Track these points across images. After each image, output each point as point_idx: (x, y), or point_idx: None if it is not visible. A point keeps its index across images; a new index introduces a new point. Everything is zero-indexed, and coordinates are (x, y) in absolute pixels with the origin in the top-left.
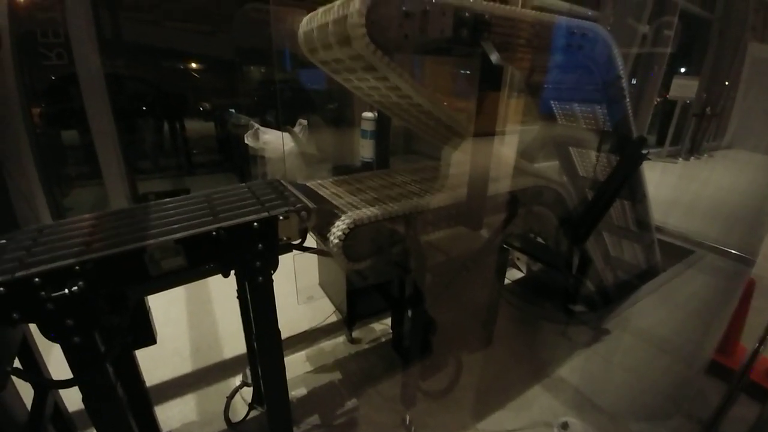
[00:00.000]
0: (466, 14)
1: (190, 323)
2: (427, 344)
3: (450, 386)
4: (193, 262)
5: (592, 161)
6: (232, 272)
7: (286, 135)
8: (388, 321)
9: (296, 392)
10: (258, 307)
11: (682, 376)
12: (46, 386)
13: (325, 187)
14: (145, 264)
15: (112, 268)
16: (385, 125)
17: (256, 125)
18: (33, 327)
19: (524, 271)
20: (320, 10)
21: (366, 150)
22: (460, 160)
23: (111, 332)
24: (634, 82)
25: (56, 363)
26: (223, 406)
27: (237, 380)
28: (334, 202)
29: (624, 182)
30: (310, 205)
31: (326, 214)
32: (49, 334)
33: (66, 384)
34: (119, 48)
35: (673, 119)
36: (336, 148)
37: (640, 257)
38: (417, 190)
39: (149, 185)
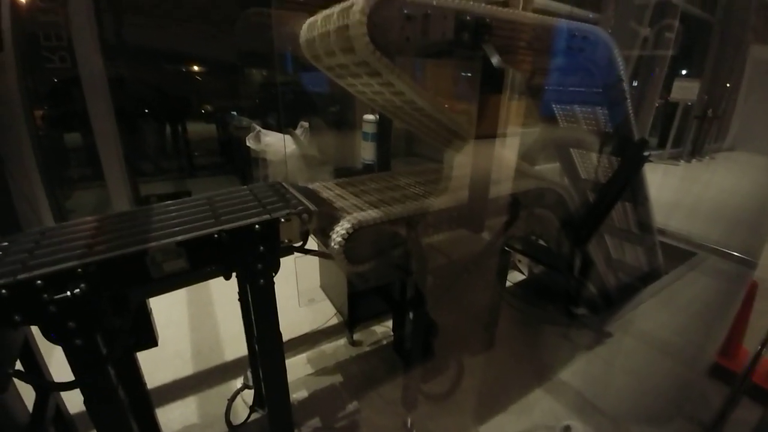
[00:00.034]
0: (468, 17)
1: (192, 325)
2: (429, 347)
3: (451, 389)
4: (195, 265)
5: (593, 163)
6: (234, 274)
7: (288, 137)
8: (390, 323)
9: (297, 395)
10: (259, 310)
11: (684, 379)
12: (47, 388)
13: (327, 190)
14: (147, 266)
15: (114, 270)
16: (386, 127)
17: (258, 128)
18: (35, 329)
19: (526, 273)
20: (320, 15)
21: (367, 152)
22: (461, 162)
23: (113, 334)
24: (635, 84)
25: (58, 365)
26: (224, 409)
27: (238, 383)
28: (335, 204)
29: (626, 184)
30: (312, 207)
31: (327, 217)
32: (51, 337)
33: (68, 386)
34: (122, 51)
35: (674, 121)
36: (337, 151)
37: (642, 259)
38: (418, 193)
39: (151, 187)
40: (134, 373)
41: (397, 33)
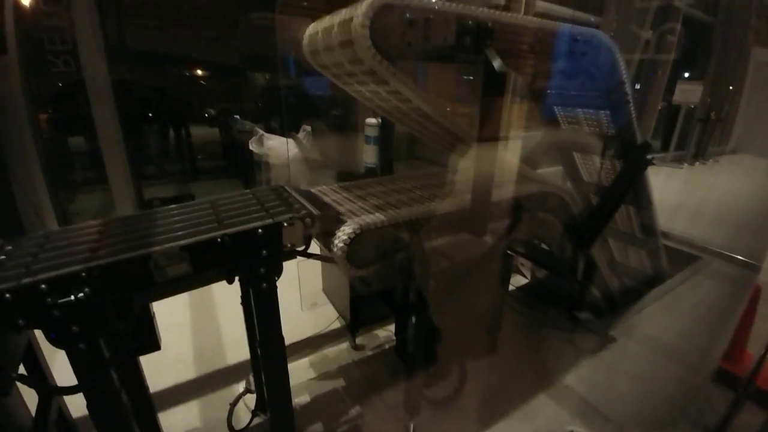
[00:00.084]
0: (469, 22)
1: (194, 329)
2: (431, 351)
3: (454, 394)
4: (198, 269)
5: (596, 166)
6: (237, 278)
7: (291, 141)
8: (392, 327)
9: (299, 399)
10: (262, 314)
11: (688, 383)
12: (50, 392)
13: (329, 194)
14: (151, 270)
15: (118, 274)
16: (388, 131)
17: (261, 131)
18: (38, 332)
19: (528, 277)
20: (323, 20)
21: (369, 156)
22: (463, 166)
23: (116, 338)
24: (637, 86)
25: (60, 368)
26: (226, 413)
27: (240, 387)
28: (337, 208)
29: (629, 188)
30: (314, 211)
31: (330, 221)
32: (55, 340)
33: (71, 390)
34: (126, 55)
35: (677, 124)
36: (340, 154)
37: (646, 263)
38: (420, 197)
39: (154, 191)
40: (137, 377)
41: (399, 38)
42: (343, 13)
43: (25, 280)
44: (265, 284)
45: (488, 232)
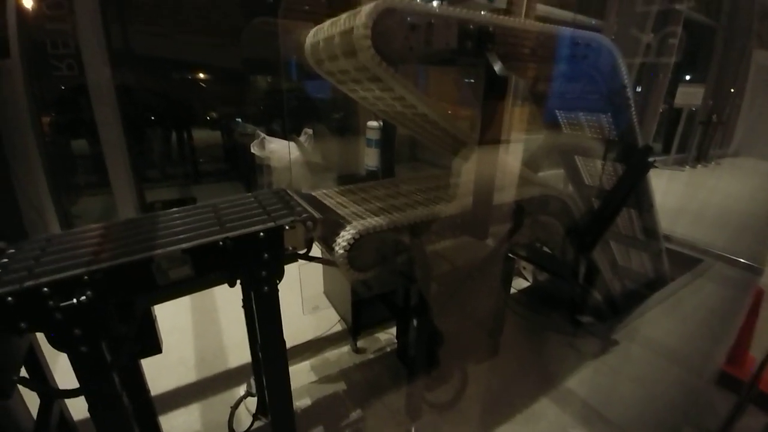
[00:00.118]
0: (471, 26)
1: (195, 332)
2: (433, 354)
3: (456, 398)
4: (200, 272)
5: (597, 170)
6: (238, 281)
7: (292, 144)
8: (393, 330)
9: (300, 403)
10: (263, 317)
11: (691, 387)
12: (52, 395)
13: (331, 197)
14: (153, 274)
15: (120, 277)
16: (389, 134)
17: (262, 134)
18: (40, 335)
19: (530, 280)
20: (327, 22)
21: (371, 159)
22: (465, 169)
23: (118, 341)
24: (639, 89)
25: (62, 371)
26: (227, 417)
27: (241, 390)
28: (339, 211)
29: (631, 191)
30: (316, 215)
31: (332, 224)
32: (57, 344)
33: (72, 393)
34: (129, 59)
35: (679, 127)
36: (341, 157)
37: (648, 266)
38: (422, 200)
39: (156, 194)
40: (138, 380)
41: (401, 42)
42: (345, 18)
43: (28, 283)
44: (266, 287)
45: (490, 236)
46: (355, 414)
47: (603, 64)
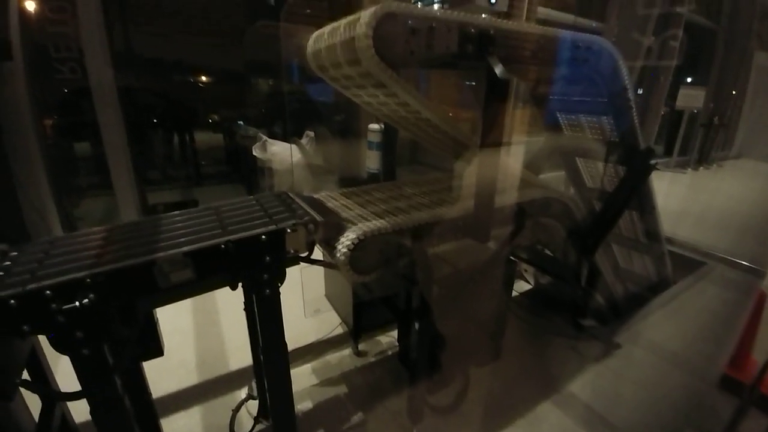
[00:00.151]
0: (472, 30)
1: (197, 334)
2: (434, 357)
3: (457, 401)
4: (202, 275)
5: (599, 172)
6: (240, 284)
7: (294, 147)
8: (395, 333)
9: (302, 405)
10: (265, 320)
11: (694, 390)
12: (54, 398)
13: (333, 199)
14: (155, 277)
15: (122, 280)
16: (391, 137)
17: (264, 137)
18: (42, 338)
19: (532, 283)
20: (327, 28)
21: (372, 161)
22: (466, 172)
23: (120, 344)
24: (640, 92)
25: (63, 374)
26: (229, 419)
27: (243, 393)
28: (341, 214)
29: (632, 193)
30: (318, 217)
31: (333, 227)
32: (59, 346)
33: (74, 396)
34: (131, 61)
35: (680, 129)
36: (343, 160)
37: (651, 269)
38: (424, 203)
39: (158, 196)
40: (140, 382)
41: (402, 46)
42: (346, 22)
43: (30, 286)
44: (268, 290)
45: (491, 238)
46: (357, 417)
47: (604, 67)
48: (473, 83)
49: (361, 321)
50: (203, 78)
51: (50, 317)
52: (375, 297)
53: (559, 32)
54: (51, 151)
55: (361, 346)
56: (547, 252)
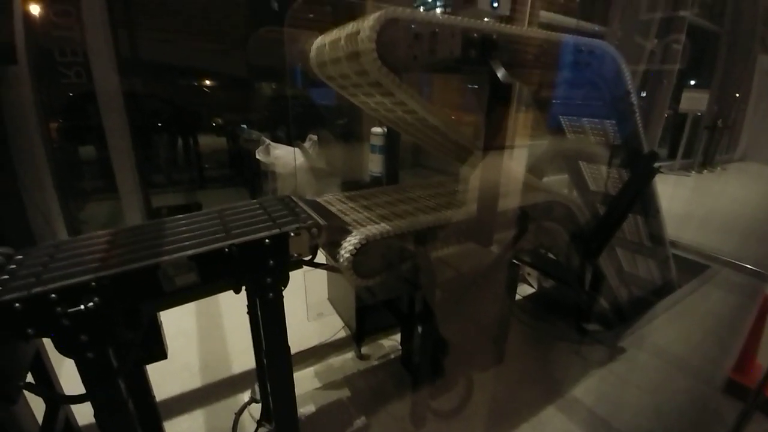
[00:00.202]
0: (474, 35)
1: (200, 337)
2: (437, 361)
3: (461, 405)
4: (206, 278)
5: (602, 175)
6: (243, 288)
7: (297, 150)
8: (398, 337)
9: (305, 409)
10: (268, 323)
11: (698, 395)
12: (58, 401)
13: (335, 203)
14: (159, 280)
15: (127, 284)
16: (394, 140)
17: (267, 140)
18: (46, 341)
19: (535, 287)
20: (330, 33)
21: (375, 164)
22: (469, 175)
23: (124, 347)
24: (643, 94)
25: (67, 377)
26: (232, 423)
27: (245, 396)
28: (344, 218)
29: (636, 197)
30: (321, 221)
31: (336, 231)
32: (64, 350)
33: (79, 399)
34: (136, 66)
35: (684, 132)
36: (345, 163)
37: (655, 273)
38: (426, 206)
39: (162, 199)
40: (143, 385)
41: (405, 51)
42: (349, 27)
43: (36, 290)
44: (271, 294)
45: (495, 242)
46: (360, 421)
47: (607, 71)
48: (476, 86)
49: (364, 324)
50: (207, 82)
51: (55, 320)
52: (378, 301)
53: (561, 36)
54: (56, 155)
55: (364, 350)
56: (551, 256)
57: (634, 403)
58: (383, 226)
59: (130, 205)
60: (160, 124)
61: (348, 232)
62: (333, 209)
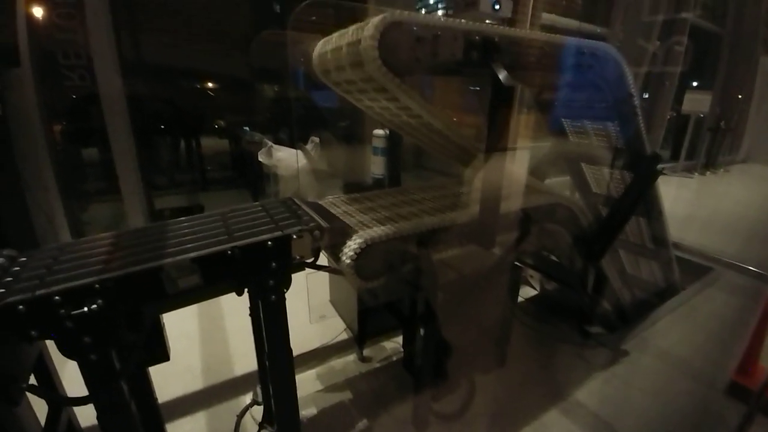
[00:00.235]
0: (476, 38)
1: (202, 339)
2: (439, 364)
3: (463, 408)
4: (209, 281)
5: (605, 177)
6: (246, 290)
7: (299, 152)
8: (400, 339)
9: (306, 411)
10: (270, 325)
11: (701, 397)
12: (61, 403)
13: (338, 205)
14: (163, 282)
15: (130, 286)
16: (396, 142)
17: (270, 143)
18: (49, 343)
19: (538, 289)
20: (333, 36)
21: (377, 167)
22: (471, 177)
23: (127, 349)
24: (646, 96)
25: (70, 379)
26: (233, 425)
27: (247, 398)
28: (346, 220)
29: (639, 199)
30: (323, 224)
31: (339, 233)
32: (67, 352)
33: (81, 401)
34: (139, 69)
35: (686, 134)
36: (348, 165)
37: (658, 275)
38: (429, 209)
39: (165, 201)
40: (146, 387)
41: (408, 54)
42: (352, 30)
43: (39, 292)
44: (274, 296)
45: (497, 244)
46: (361, 424)
47: (609, 73)
48: (478, 88)
49: (366, 327)
50: (210, 84)
51: (59, 322)
52: (380, 303)
53: (563, 39)
54: (60, 157)
55: (366, 352)
56: (553, 258)
57: (637, 405)
58: (385, 229)
59: (133, 207)
60: (162, 126)
61: (350, 235)
62: (335, 211)
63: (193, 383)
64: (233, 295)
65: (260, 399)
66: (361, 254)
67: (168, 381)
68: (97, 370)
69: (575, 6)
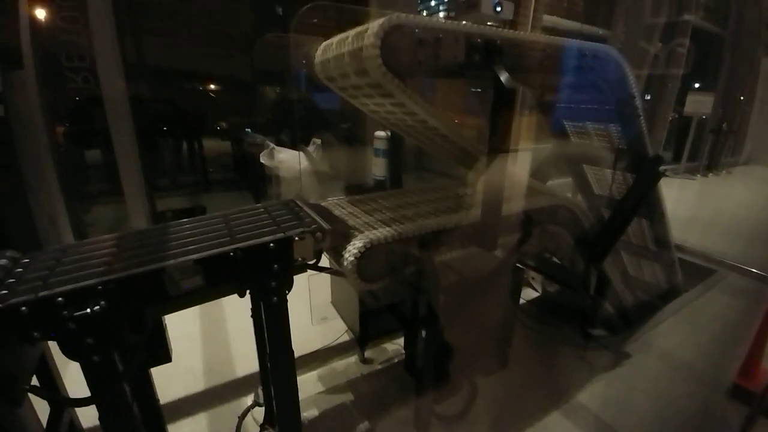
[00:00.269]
0: (478, 40)
1: (204, 341)
2: (441, 366)
3: (464, 410)
4: (211, 282)
5: (607, 179)
6: (248, 291)
7: (301, 154)
8: (401, 341)
9: (308, 413)
10: (272, 327)
11: (704, 399)
12: (63, 404)
13: (339, 207)
14: (165, 284)
15: (133, 288)
16: (397, 144)
17: (272, 144)
18: (52, 344)
19: (540, 291)
20: (335, 38)
21: (378, 168)
22: (473, 179)
23: (129, 351)
24: (648, 97)
25: (72, 380)
26: (235, 426)
27: (249, 400)
28: (348, 222)
29: (641, 200)
30: (325, 225)
31: (340, 234)
32: (69, 353)
33: (83, 402)
34: (142, 70)
35: (689, 135)
36: (349, 167)
37: (661, 277)
38: (430, 211)
39: (167, 203)
40: (148, 388)
41: (410, 56)
42: (352, 37)
43: (42, 293)
44: (275, 297)
45: (499, 246)
46: (363, 426)
47: (611, 75)
48: (479, 90)
49: (368, 328)
50: (212, 86)
51: (61, 324)
52: (381, 305)
53: (564, 41)
54: (62, 159)
55: (367, 354)
56: (555, 260)
57: (640, 408)
58: (387, 230)
59: (136, 209)
60: (165, 128)
61: (352, 237)
62: (337, 213)
63: (195, 384)
64: (235, 296)
65: (262, 400)
66: (363, 256)
67: (170, 382)
68: (100, 372)
69: (577, 8)
